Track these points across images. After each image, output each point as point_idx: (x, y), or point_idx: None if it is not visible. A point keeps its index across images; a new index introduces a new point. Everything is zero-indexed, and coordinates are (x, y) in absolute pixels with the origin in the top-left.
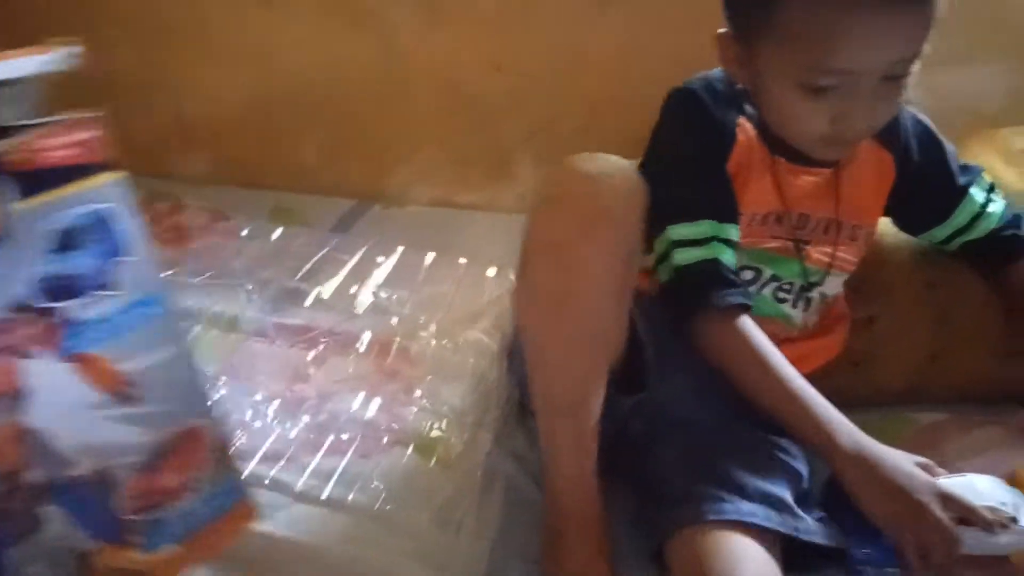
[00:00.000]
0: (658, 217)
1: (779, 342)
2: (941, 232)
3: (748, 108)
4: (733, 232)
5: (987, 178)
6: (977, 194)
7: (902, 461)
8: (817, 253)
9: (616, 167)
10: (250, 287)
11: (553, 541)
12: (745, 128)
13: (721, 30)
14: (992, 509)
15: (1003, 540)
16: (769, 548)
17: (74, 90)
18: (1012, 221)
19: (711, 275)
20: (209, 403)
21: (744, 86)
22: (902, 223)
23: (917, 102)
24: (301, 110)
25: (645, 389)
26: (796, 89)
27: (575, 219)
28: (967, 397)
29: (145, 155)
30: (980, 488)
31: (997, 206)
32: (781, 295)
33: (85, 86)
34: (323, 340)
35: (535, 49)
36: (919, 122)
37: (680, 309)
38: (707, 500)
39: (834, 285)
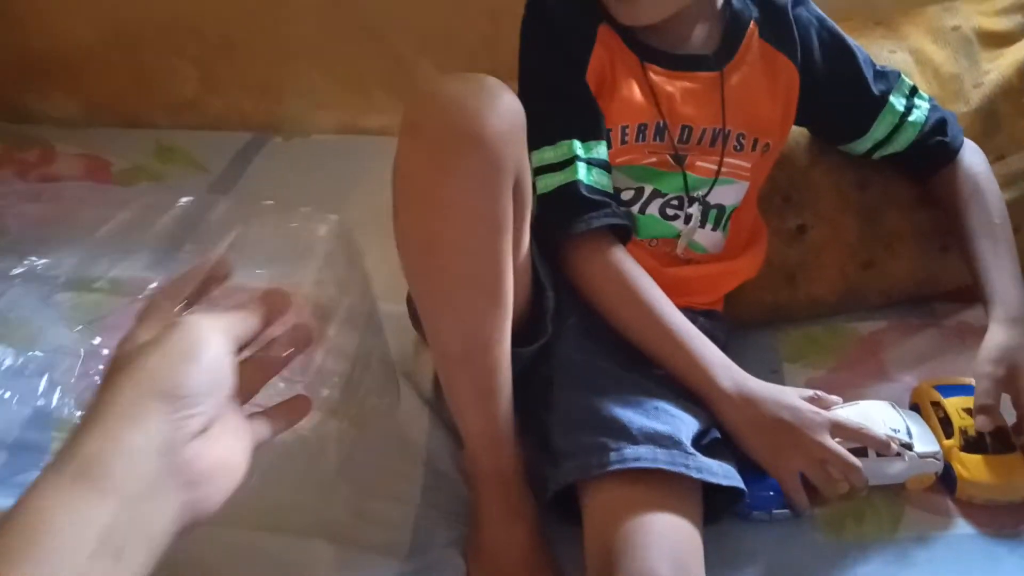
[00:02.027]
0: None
1: (682, 264)
2: (861, 145)
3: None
4: (599, 149)
5: (907, 81)
6: (897, 102)
7: (787, 396)
8: (701, 162)
9: (481, 87)
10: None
11: (474, 503)
12: (606, 34)
13: None
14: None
15: (897, 468)
16: (671, 491)
17: None
18: (937, 126)
19: (571, 199)
20: None
21: None
22: (818, 135)
23: None
24: (171, 39)
25: (545, 335)
26: None
27: (432, 150)
28: (904, 298)
29: None
30: (874, 415)
31: (920, 113)
32: (671, 211)
33: None
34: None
35: None
36: (823, 26)
37: (546, 240)
38: (593, 452)
39: (728, 195)
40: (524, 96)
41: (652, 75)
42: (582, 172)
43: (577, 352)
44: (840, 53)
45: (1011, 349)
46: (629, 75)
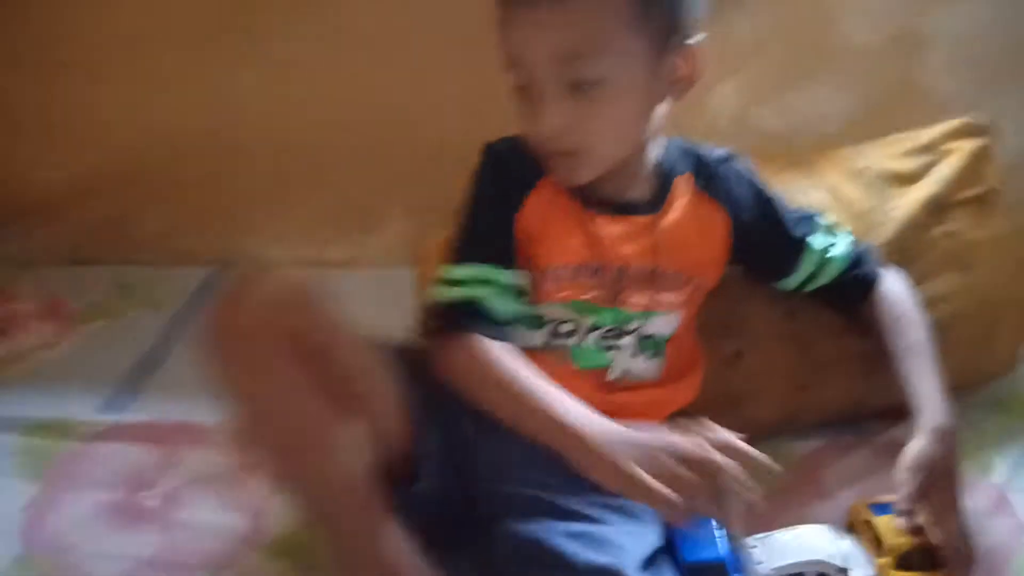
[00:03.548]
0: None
1: (619, 391)
2: (789, 284)
3: None
4: (506, 276)
5: (824, 221)
6: (816, 243)
7: (643, 427)
8: (635, 298)
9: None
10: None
11: None
12: (548, 184)
13: None
14: (820, 563)
15: None
16: None
17: None
18: (857, 259)
19: (463, 310)
20: None
21: None
22: (752, 276)
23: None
24: (134, 183)
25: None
26: (512, 90)
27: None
28: (839, 419)
29: None
30: (812, 540)
31: (839, 249)
32: (606, 343)
33: None
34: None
35: (377, 101)
36: (751, 180)
37: (427, 340)
38: None
39: (661, 326)
40: (456, 221)
41: (592, 219)
42: (489, 294)
43: (513, 484)
44: (764, 204)
45: (928, 456)
46: (569, 219)
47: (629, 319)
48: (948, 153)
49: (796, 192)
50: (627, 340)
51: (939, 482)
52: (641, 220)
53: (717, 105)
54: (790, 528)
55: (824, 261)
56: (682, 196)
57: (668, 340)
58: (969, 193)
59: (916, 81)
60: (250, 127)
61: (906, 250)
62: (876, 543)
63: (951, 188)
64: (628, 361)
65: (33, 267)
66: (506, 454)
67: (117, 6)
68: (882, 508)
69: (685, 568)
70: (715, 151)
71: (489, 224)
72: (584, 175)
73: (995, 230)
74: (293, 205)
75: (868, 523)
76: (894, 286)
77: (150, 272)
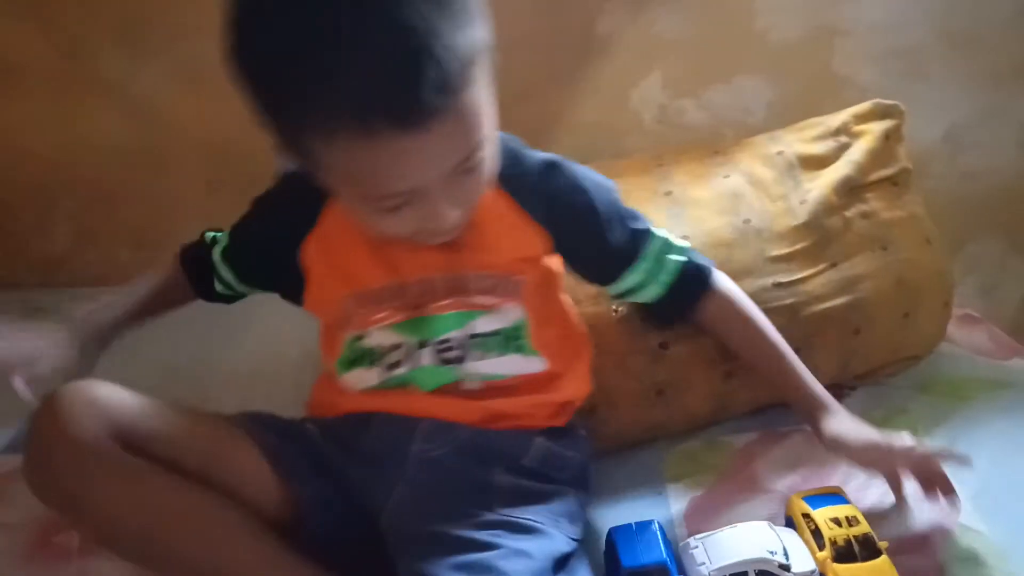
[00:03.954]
0: None
1: (491, 397)
2: (613, 290)
3: None
4: (227, 272)
5: (661, 238)
6: (647, 256)
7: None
8: (447, 307)
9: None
10: None
11: None
12: (335, 211)
13: None
14: (762, 560)
15: None
16: None
17: None
18: (692, 272)
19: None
20: None
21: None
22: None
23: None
24: (45, 196)
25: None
26: (373, 213)
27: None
28: (771, 403)
29: None
30: (752, 537)
31: (672, 263)
32: (445, 356)
33: None
34: None
35: None
36: (568, 188)
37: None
38: None
39: (496, 322)
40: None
41: (378, 239)
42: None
43: (415, 521)
44: (587, 215)
45: (863, 429)
46: (359, 244)
47: (449, 326)
48: (859, 135)
49: (712, 178)
50: (461, 348)
51: (882, 442)
52: None
53: (641, 100)
54: (730, 527)
55: (653, 274)
56: (490, 202)
57: (529, 334)
58: (882, 173)
59: (834, 72)
60: (175, 139)
61: (823, 229)
62: (815, 535)
63: (864, 169)
64: (478, 365)
65: None
66: (404, 494)
67: None
68: (819, 500)
69: (626, 573)
70: (536, 157)
71: (250, 237)
72: (454, 234)
73: (909, 210)
74: (214, 220)
75: (807, 516)
76: (732, 288)
77: (61, 294)
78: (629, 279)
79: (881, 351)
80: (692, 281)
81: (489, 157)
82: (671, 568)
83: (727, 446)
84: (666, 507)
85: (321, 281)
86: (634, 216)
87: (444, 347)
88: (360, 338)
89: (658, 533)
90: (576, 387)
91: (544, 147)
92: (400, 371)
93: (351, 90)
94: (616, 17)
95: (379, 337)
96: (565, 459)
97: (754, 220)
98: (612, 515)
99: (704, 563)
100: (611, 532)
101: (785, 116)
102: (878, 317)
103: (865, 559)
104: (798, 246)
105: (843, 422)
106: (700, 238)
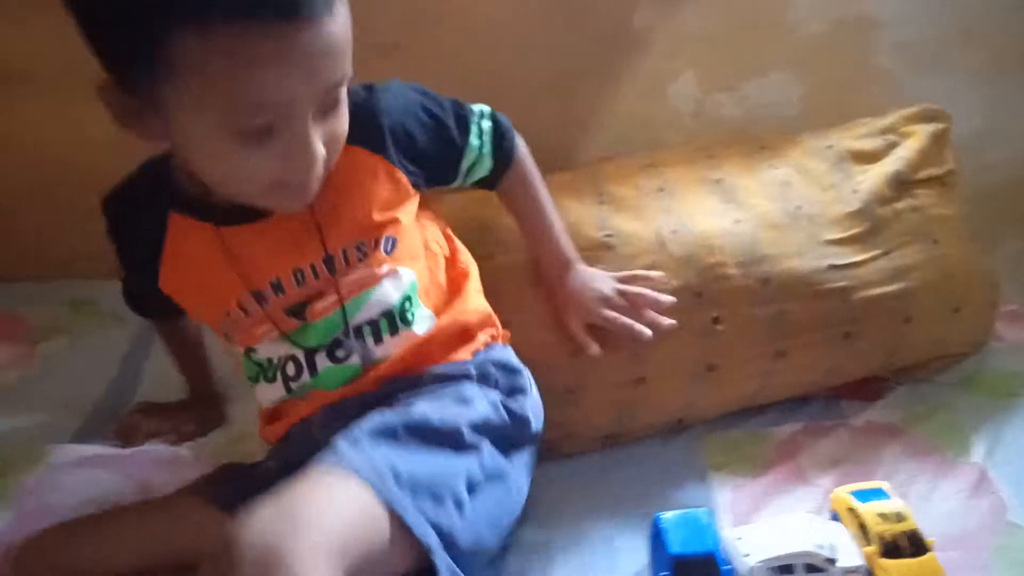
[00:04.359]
0: None
1: (381, 374)
2: (452, 185)
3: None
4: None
5: (475, 111)
6: (473, 142)
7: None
8: (324, 300)
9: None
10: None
11: None
12: (176, 221)
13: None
14: (809, 554)
15: None
16: None
17: None
18: (500, 137)
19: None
20: None
21: (161, 143)
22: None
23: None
24: (88, 183)
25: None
26: (230, 138)
27: None
28: (815, 390)
29: None
30: (795, 532)
31: (487, 136)
32: (338, 354)
33: None
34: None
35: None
36: (399, 106)
37: None
38: None
39: (384, 298)
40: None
41: (229, 239)
42: None
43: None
44: (424, 126)
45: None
46: (211, 257)
47: (334, 327)
48: (908, 135)
49: (760, 169)
50: (351, 344)
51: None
52: (289, 215)
53: (677, 96)
54: (774, 519)
55: (480, 157)
56: (338, 163)
57: (419, 290)
58: (931, 172)
59: (867, 64)
60: None
61: (876, 218)
62: (861, 530)
63: (914, 166)
64: (378, 349)
65: None
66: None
67: None
68: (865, 495)
69: (673, 561)
70: (357, 93)
71: (136, 281)
72: (312, 195)
73: (956, 209)
74: None
75: (852, 511)
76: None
77: (106, 285)
78: (462, 169)
79: (928, 345)
80: (506, 136)
81: (345, 103)
82: (718, 559)
83: (769, 437)
84: (709, 496)
85: (191, 306)
86: (440, 97)
87: (335, 348)
88: (253, 351)
89: (708, 523)
90: (468, 316)
91: (582, 138)
92: (302, 380)
93: None
94: (652, 12)
95: (270, 349)
96: (487, 380)
97: (805, 207)
98: (655, 500)
99: (748, 554)
100: (658, 518)
101: (821, 109)
102: (928, 309)
103: (912, 555)
104: (851, 232)
105: (578, 275)
106: (752, 221)
